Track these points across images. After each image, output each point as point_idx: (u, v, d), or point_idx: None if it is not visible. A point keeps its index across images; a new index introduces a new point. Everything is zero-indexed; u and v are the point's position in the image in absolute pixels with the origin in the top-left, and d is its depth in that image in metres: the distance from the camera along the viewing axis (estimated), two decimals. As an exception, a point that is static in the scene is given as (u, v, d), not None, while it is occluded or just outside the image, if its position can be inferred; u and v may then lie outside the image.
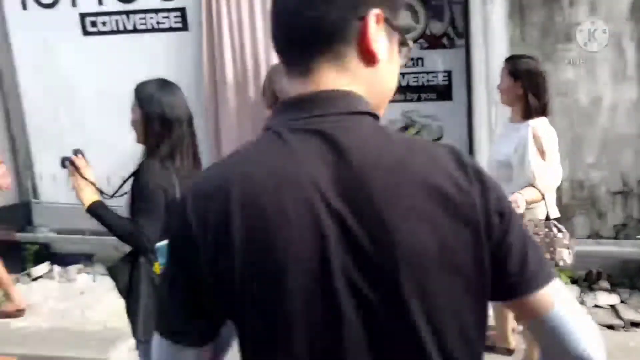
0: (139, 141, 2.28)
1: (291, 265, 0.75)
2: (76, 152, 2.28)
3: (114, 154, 4.02)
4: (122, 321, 3.50)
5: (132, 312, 2.19)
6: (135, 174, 2.21)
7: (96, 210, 2.19)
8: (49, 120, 4.61)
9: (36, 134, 4.72)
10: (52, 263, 4.69)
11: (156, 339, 0.85)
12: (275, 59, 3.77)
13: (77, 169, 2.23)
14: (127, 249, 2.30)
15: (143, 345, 2.28)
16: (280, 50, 0.86)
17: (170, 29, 4.24)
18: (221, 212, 0.76)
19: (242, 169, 0.78)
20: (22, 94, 4.65)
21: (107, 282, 4.25)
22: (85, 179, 2.22)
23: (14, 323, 3.87)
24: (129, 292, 2.20)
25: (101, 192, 2.27)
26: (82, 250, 4.72)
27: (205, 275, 0.78)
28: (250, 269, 0.76)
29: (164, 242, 2.19)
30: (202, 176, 0.85)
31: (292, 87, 0.84)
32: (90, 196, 2.21)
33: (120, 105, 3.52)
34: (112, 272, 2.24)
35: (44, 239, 4.77)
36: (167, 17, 4.22)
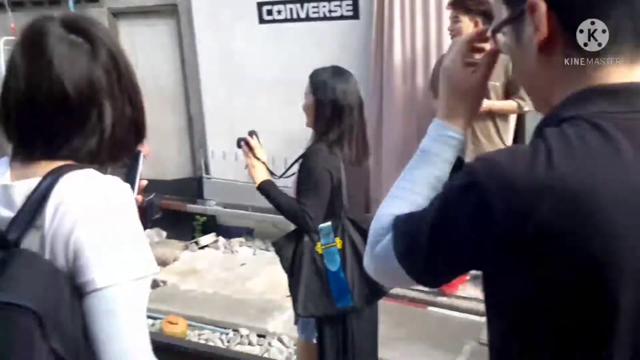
0: (309, 125, 2.35)
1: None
2: (251, 133, 2.38)
3: (280, 137, 4.18)
4: (278, 294, 3.71)
5: (293, 288, 2.28)
6: (304, 157, 2.29)
7: (266, 189, 2.29)
8: (223, 102, 4.92)
9: (211, 116, 5.04)
10: (218, 234, 5.04)
11: (394, 260, 0.90)
12: (446, 48, 3.68)
13: (251, 149, 2.33)
14: (289, 227, 2.40)
15: (302, 319, 2.38)
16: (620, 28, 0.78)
17: (342, 17, 4.32)
18: (566, 217, 0.71)
19: (570, 168, 0.72)
20: (202, 78, 5.00)
21: (266, 256, 4.53)
22: (258, 158, 2.33)
23: (183, 286, 4.25)
24: (292, 269, 2.29)
25: (271, 173, 2.38)
26: (245, 224, 5.03)
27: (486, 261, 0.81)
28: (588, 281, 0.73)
29: (327, 224, 2.27)
30: (504, 166, 0.75)
31: (607, 74, 0.79)
32: (261, 175, 2.31)
33: (289, 90, 3.68)
34: (277, 248, 2.35)
35: (212, 212, 5.12)
36: (339, 5, 4.30)
